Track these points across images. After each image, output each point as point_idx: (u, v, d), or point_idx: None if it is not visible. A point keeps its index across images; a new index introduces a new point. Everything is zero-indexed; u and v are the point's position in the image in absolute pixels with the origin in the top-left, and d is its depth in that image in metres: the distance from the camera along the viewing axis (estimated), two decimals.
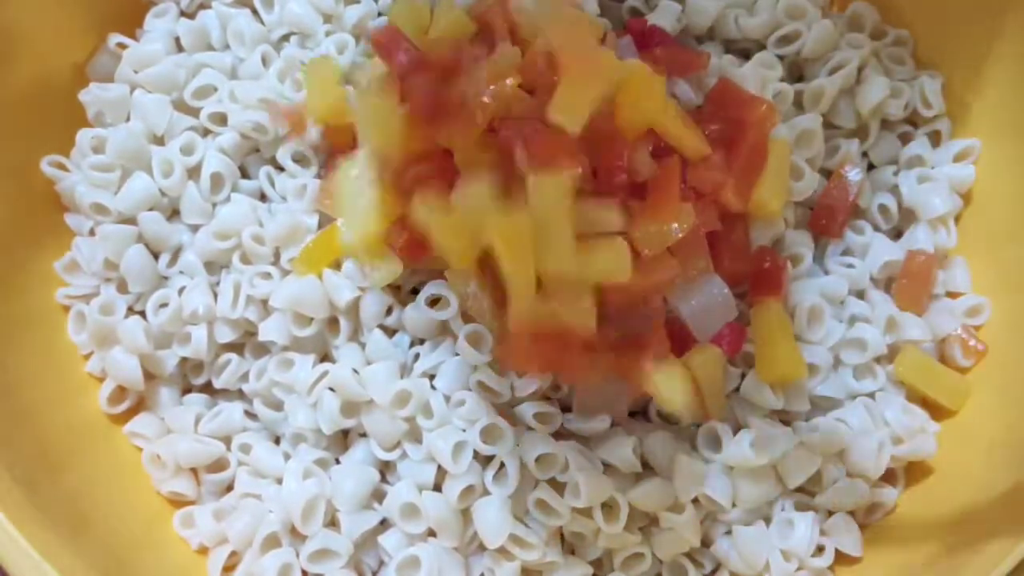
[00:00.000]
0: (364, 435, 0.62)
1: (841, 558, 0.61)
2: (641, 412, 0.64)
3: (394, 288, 0.63)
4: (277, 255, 0.64)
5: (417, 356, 0.62)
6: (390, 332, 0.63)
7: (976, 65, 0.68)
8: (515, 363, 0.58)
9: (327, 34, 0.69)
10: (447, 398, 0.60)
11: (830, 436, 0.60)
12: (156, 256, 0.66)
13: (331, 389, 0.61)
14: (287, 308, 0.62)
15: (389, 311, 0.63)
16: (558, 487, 0.59)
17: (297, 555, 0.60)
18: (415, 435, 0.60)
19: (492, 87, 0.54)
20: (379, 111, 0.58)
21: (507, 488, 0.58)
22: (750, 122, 0.61)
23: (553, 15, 0.55)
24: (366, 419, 0.60)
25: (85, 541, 0.56)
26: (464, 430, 0.59)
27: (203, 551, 0.62)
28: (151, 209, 0.66)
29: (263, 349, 0.65)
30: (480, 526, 0.58)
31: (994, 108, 0.68)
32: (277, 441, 0.64)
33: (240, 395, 0.65)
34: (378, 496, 0.61)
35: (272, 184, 0.67)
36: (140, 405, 0.66)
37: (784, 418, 0.62)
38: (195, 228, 0.66)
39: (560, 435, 0.61)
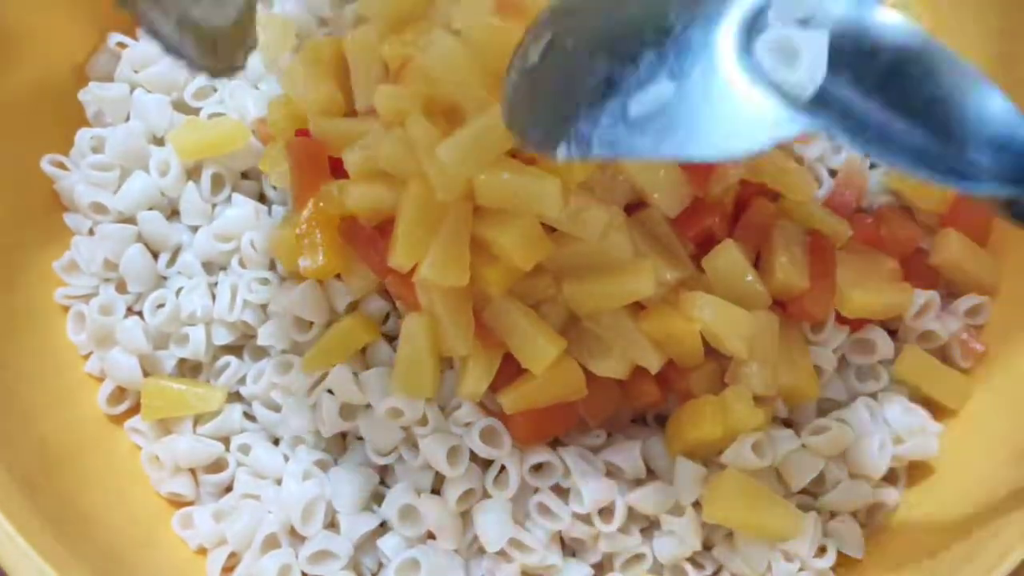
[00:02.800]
0: (361, 438, 0.62)
1: (842, 559, 0.60)
2: (640, 418, 0.63)
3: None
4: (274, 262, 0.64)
5: None
6: (389, 339, 0.63)
7: (976, 65, 0.68)
8: (522, 442, 0.59)
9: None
10: (442, 408, 0.60)
11: (832, 438, 0.60)
12: (156, 256, 0.66)
13: (330, 391, 0.60)
14: (287, 313, 0.61)
15: (387, 318, 0.63)
16: (561, 491, 0.59)
17: (296, 556, 0.59)
18: (411, 441, 0.60)
19: None
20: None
21: (508, 491, 0.58)
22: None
23: None
24: (363, 424, 0.60)
25: (85, 541, 0.56)
26: (461, 436, 0.59)
27: (202, 552, 0.62)
28: (150, 209, 0.66)
29: (262, 352, 0.64)
30: (480, 529, 0.58)
31: None
32: (276, 442, 0.64)
33: (238, 397, 0.65)
34: (377, 498, 0.61)
35: (273, 186, 0.67)
36: (139, 405, 0.66)
37: (786, 420, 0.62)
38: (195, 229, 0.66)
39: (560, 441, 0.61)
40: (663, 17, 0.41)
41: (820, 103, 0.40)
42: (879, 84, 0.41)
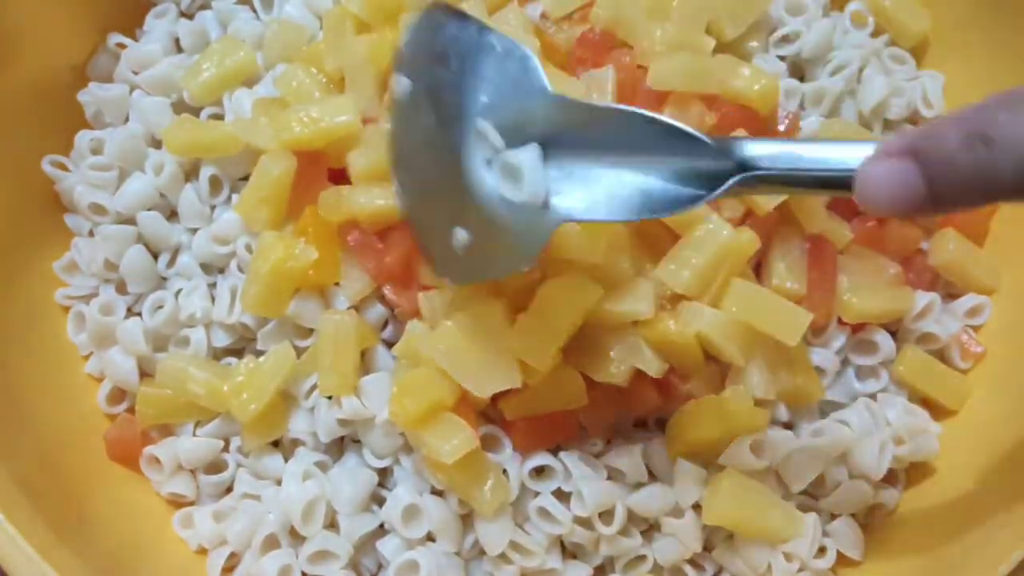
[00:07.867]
0: (358, 441, 0.62)
1: (842, 559, 0.61)
2: (640, 422, 0.63)
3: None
4: None
5: None
6: (388, 344, 0.62)
7: (976, 65, 0.68)
8: (522, 449, 0.59)
9: None
10: None
11: (832, 439, 0.60)
12: (156, 256, 0.66)
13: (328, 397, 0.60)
14: (286, 319, 0.61)
15: (385, 324, 0.62)
16: (561, 495, 0.59)
17: (296, 556, 0.59)
18: (410, 446, 0.60)
19: None
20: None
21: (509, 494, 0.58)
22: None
23: None
24: (362, 430, 0.60)
25: (85, 541, 0.56)
26: None
27: (202, 552, 0.62)
28: (149, 209, 0.66)
29: (262, 355, 0.64)
30: (481, 532, 0.58)
31: None
32: (276, 443, 0.64)
33: None
34: (377, 500, 0.61)
35: None
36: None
37: (785, 421, 0.62)
38: (194, 231, 0.66)
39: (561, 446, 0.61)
40: (457, 177, 0.51)
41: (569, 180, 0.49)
42: (605, 147, 0.48)
